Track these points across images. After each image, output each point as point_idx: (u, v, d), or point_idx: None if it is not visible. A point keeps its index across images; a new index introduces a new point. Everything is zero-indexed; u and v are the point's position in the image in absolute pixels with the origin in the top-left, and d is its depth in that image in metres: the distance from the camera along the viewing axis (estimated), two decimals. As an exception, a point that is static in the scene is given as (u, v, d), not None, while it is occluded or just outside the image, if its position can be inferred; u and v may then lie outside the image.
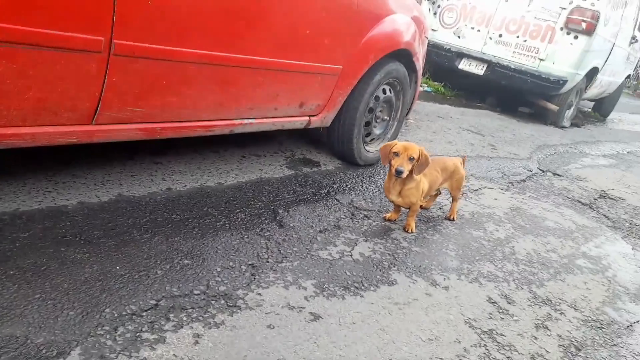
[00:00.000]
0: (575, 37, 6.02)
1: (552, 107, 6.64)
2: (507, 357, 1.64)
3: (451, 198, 2.66)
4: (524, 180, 3.76)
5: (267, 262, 1.83)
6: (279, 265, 1.82)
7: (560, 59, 6.12)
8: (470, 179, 3.43)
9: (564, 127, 6.91)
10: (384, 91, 3.12)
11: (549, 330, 1.86)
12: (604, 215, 3.38)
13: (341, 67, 2.64)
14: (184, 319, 1.43)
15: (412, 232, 2.36)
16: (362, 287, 1.82)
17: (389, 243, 2.21)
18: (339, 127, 2.97)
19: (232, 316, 1.49)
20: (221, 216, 2.07)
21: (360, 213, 2.45)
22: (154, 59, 1.75)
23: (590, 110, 9.63)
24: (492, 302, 1.94)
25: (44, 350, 1.21)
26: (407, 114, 3.57)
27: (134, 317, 1.39)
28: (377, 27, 2.76)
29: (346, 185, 2.78)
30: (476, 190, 3.26)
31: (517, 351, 1.69)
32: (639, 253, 2.85)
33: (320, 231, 2.16)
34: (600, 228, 3.11)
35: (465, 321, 1.78)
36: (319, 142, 3.36)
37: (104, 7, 1.53)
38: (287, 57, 2.29)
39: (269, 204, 2.30)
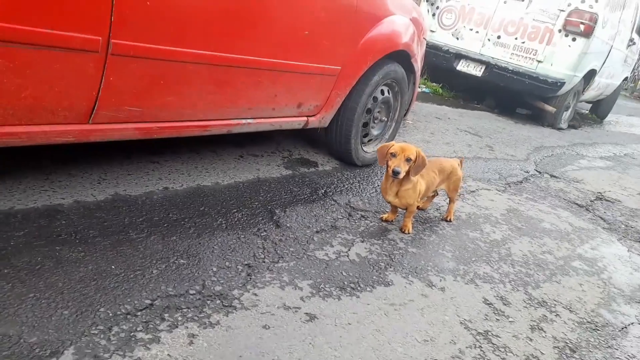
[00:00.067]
0: (574, 39, 6.03)
1: (550, 108, 6.65)
2: (502, 359, 1.64)
3: (448, 199, 2.67)
4: (521, 182, 3.77)
5: (264, 262, 1.83)
6: (275, 265, 1.82)
7: (558, 60, 6.14)
8: (468, 180, 3.43)
9: (561, 128, 6.93)
10: (382, 92, 3.12)
11: (544, 331, 1.86)
12: (600, 217, 3.39)
13: (339, 67, 2.64)
14: (179, 318, 1.43)
15: (408, 233, 2.36)
16: (358, 288, 1.82)
17: (385, 244, 2.21)
18: (337, 128, 2.97)
19: (227, 316, 1.49)
20: (218, 216, 2.07)
21: (357, 214, 2.45)
22: (152, 58, 1.75)
23: (587, 112, 9.65)
24: (488, 304, 1.95)
25: (37, 350, 1.20)
26: (405, 115, 3.57)
27: (128, 316, 1.38)
28: (376, 28, 2.76)
29: (343, 185, 2.78)
30: (473, 191, 3.26)
31: (512, 352, 1.69)
32: (635, 255, 2.86)
33: (317, 231, 2.16)
34: (596, 230, 3.12)
35: (461, 322, 1.78)
36: (316, 143, 3.36)
37: (102, 6, 1.52)
38: (286, 58, 2.29)
39: (266, 204, 2.29)
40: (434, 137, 4.52)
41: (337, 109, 2.85)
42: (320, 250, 2.01)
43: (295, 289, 1.72)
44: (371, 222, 2.40)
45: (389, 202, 2.34)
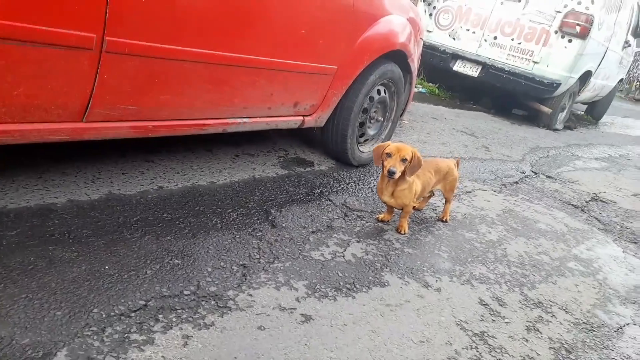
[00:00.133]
0: (570, 41, 6.05)
1: (546, 109, 6.67)
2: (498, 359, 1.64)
3: (444, 199, 2.66)
4: (517, 183, 3.77)
5: (259, 262, 1.81)
6: (271, 265, 1.81)
7: (554, 62, 6.15)
8: (463, 181, 3.43)
9: (557, 129, 6.95)
10: (379, 92, 3.11)
11: (540, 332, 1.86)
12: (596, 218, 3.39)
13: (336, 67, 2.63)
14: (174, 319, 1.42)
15: (404, 233, 2.36)
16: (354, 289, 1.81)
17: (381, 244, 2.20)
18: (333, 127, 2.96)
19: (222, 317, 1.48)
20: (213, 216, 2.06)
21: (353, 214, 2.44)
22: (147, 56, 1.73)
23: (583, 113, 9.69)
24: (484, 304, 1.94)
25: (29, 351, 1.19)
26: (401, 115, 3.56)
27: (122, 317, 1.37)
28: (373, 28, 2.75)
29: (339, 185, 2.77)
30: (469, 191, 3.26)
31: (508, 353, 1.69)
32: (630, 256, 2.87)
33: (313, 232, 2.15)
34: (592, 231, 3.13)
35: (457, 323, 1.77)
36: (312, 142, 3.35)
37: (96, 3, 1.51)
38: (282, 57, 2.28)
39: (262, 204, 2.28)
40: (430, 137, 4.51)
41: (333, 108, 2.85)
42: (316, 251, 2.00)
43: (291, 289, 1.70)
44: (367, 222, 2.39)
45: (384, 203, 2.34)
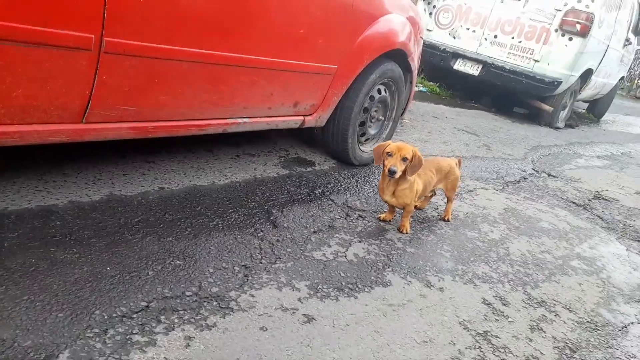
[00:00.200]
0: (570, 39, 6.04)
1: (547, 108, 6.66)
2: (502, 359, 1.63)
3: (446, 199, 2.65)
4: (519, 181, 3.76)
5: (261, 263, 1.81)
6: (273, 266, 1.80)
7: (555, 60, 6.14)
8: (465, 180, 3.42)
9: (558, 128, 6.93)
10: (379, 91, 3.11)
11: (544, 332, 1.85)
12: (598, 216, 3.38)
13: (336, 66, 2.62)
14: (176, 321, 1.41)
15: (406, 233, 2.35)
16: (356, 289, 1.80)
17: (383, 244, 2.20)
18: (334, 127, 2.95)
19: (224, 318, 1.47)
20: (214, 216, 2.05)
21: (355, 213, 2.44)
22: (146, 57, 1.73)
23: (584, 111, 9.67)
24: (487, 304, 1.94)
25: (31, 354, 1.18)
26: (402, 114, 3.55)
27: (124, 319, 1.36)
28: (373, 27, 2.75)
29: (341, 185, 2.76)
30: (471, 190, 3.25)
31: (512, 353, 1.68)
32: (633, 254, 2.86)
33: (315, 232, 2.14)
34: (595, 229, 3.11)
35: (460, 323, 1.76)
36: (313, 142, 3.34)
37: (95, 4, 1.50)
38: (281, 57, 2.27)
39: (263, 204, 2.28)
40: (432, 136, 4.51)
41: (333, 108, 2.84)
42: (318, 251, 1.99)
43: (293, 290, 1.70)
44: (369, 222, 2.38)
45: (386, 202, 2.33)
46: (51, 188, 1.92)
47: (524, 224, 2.88)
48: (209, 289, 1.58)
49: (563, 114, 7.06)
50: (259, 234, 2.00)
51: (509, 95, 6.93)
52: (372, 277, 1.90)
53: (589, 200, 3.72)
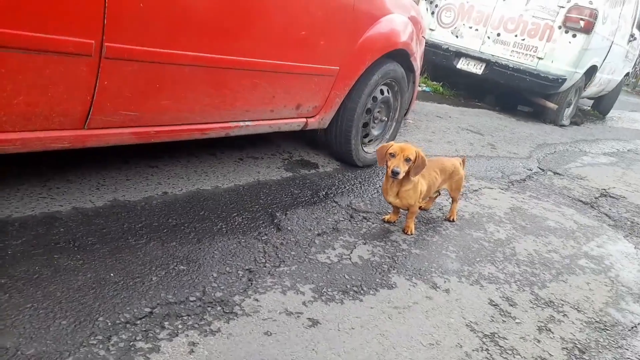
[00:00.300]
0: (574, 36, 6.00)
1: (551, 105, 6.62)
2: (510, 361, 1.61)
3: (450, 199, 2.63)
4: (524, 180, 3.73)
5: (265, 266, 1.80)
6: (277, 269, 1.79)
7: (559, 57, 6.10)
8: (470, 179, 3.40)
9: (563, 125, 6.89)
10: (382, 92, 3.09)
11: (552, 332, 1.83)
12: (606, 214, 3.35)
13: (338, 68, 2.61)
14: (179, 326, 1.40)
15: (411, 234, 2.33)
16: (361, 291, 1.79)
17: (388, 245, 2.18)
18: (337, 129, 2.94)
19: (228, 323, 1.46)
20: (218, 220, 2.05)
21: (359, 215, 2.42)
22: (147, 61, 1.72)
23: (589, 108, 9.60)
24: (494, 305, 1.92)
25: (34, 362, 1.18)
26: (405, 115, 3.54)
27: (127, 325, 1.36)
28: (374, 28, 2.73)
29: (345, 187, 2.75)
30: (476, 190, 3.23)
31: (520, 355, 1.66)
32: (642, 252, 2.83)
33: (319, 234, 2.13)
34: (602, 227, 3.08)
35: (467, 325, 1.75)
36: (316, 144, 3.33)
37: (95, 9, 1.50)
38: (283, 59, 2.26)
39: (267, 207, 2.27)
40: (436, 136, 4.48)
41: (336, 109, 2.83)
42: (322, 254, 1.98)
43: (297, 293, 1.69)
44: (373, 223, 2.37)
45: (390, 203, 2.31)
46: (55, 195, 1.92)
47: (530, 223, 2.85)
48: (212, 294, 1.57)
49: (568, 112, 7.01)
50: (262, 238, 1.99)
51: (513, 93, 6.89)
52: (377, 280, 1.89)
53: (595, 198, 3.68)
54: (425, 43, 3.80)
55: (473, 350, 1.62)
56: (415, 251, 2.19)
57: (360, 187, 2.81)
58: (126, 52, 1.63)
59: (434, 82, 7.35)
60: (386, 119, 3.28)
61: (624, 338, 1.91)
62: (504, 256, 2.35)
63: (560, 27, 6.03)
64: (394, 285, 1.88)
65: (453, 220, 2.61)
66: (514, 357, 1.64)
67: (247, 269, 1.75)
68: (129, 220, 1.88)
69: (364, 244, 2.14)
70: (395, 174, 2.10)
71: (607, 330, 1.94)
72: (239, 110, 2.25)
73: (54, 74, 1.49)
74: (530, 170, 4.07)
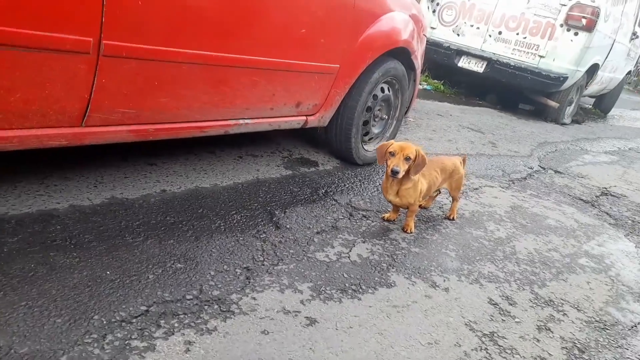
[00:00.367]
0: (576, 34, 5.97)
1: (553, 104, 6.59)
2: (509, 361, 1.60)
3: (451, 197, 2.62)
4: (525, 178, 3.72)
5: (263, 265, 1.79)
6: (275, 268, 1.78)
7: (561, 55, 6.08)
8: (471, 177, 3.38)
9: (564, 124, 6.86)
10: (382, 90, 3.08)
11: (552, 332, 1.82)
12: (606, 213, 3.33)
13: (338, 66, 2.60)
14: (176, 325, 1.39)
15: (411, 233, 2.32)
16: (360, 290, 1.78)
17: (387, 244, 2.17)
18: (337, 127, 2.93)
19: (225, 322, 1.45)
20: (216, 218, 2.04)
21: (359, 213, 2.41)
22: (145, 59, 1.71)
23: (591, 106, 9.57)
24: (493, 304, 1.90)
25: (29, 360, 1.17)
26: (406, 113, 3.52)
27: (123, 324, 1.35)
28: (375, 25, 2.72)
29: (344, 185, 2.74)
30: (476, 188, 3.21)
31: (519, 354, 1.64)
32: (643, 251, 2.81)
33: (318, 232, 2.12)
34: (603, 226, 3.07)
35: (466, 324, 1.74)
36: (316, 142, 3.32)
37: (93, 7, 1.49)
38: (283, 57, 2.25)
39: (266, 205, 2.26)
40: (436, 135, 4.47)
41: (336, 107, 2.81)
42: (321, 252, 1.97)
43: (295, 292, 1.68)
44: (373, 221, 2.36)
45: (389, 202, 2.30)
46: (52, 192, 1.91)
47: (530, 222, 2.84)
48: (210, 292, 1.56)
49: (569, 110, 6.99)
50: (261, 236, 1.98)
51: (514, 91, 6.87)
52: (376, 278, 1.88)
53: (596, 196, 3.66)
54: (427, 41, 3.78)
55: (472, 349, 1.61)
56: (415, 250, 2.18)
57: (360, 185, 2.79)
58: (124, 50, 1.62)
59: (435, 81, 7.33)
60: (387, 117, 3.27)
61: (624, 337, 1.90)
62: (504, 255, 2.34)
63: (562, 25, 6.00)
64: (393, 284, 1.87)
65: (453, 219, 2.60)
66: (513, 357, 1.63)
67: (245, 267, 1.74)
68: (127, 218, 1.87)
69: (363, 242, 2.13)
70: (394, 173, 2.09)
71: (607, 329, 1.92)
72: (238, 108, 2.24)
73: (52, 71, 1.48)
74: (531, 168, 4.05)
